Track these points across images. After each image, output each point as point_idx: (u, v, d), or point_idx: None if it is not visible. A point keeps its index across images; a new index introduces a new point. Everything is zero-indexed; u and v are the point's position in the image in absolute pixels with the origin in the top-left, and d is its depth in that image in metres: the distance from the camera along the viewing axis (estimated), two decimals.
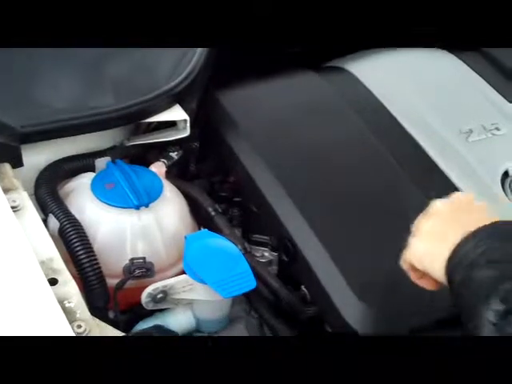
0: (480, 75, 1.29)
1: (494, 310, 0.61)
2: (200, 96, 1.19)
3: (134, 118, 1.12)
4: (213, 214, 1.09)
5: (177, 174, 1.19)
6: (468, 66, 1.31)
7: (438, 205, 0.79)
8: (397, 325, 0.92)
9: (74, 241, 0.94)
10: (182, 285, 0.95)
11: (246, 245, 1.06)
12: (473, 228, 0.70)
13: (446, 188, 1.05)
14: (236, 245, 0.99)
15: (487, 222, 0.70)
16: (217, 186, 1.24)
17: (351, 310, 0.92)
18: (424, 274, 0.77)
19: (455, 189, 1.06)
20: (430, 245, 0.75)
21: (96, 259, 0.94)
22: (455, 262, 0.69)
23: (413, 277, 0.79)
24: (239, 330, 1.04)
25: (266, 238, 1.10)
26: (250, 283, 0.92)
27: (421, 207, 0.78)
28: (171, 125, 1.19)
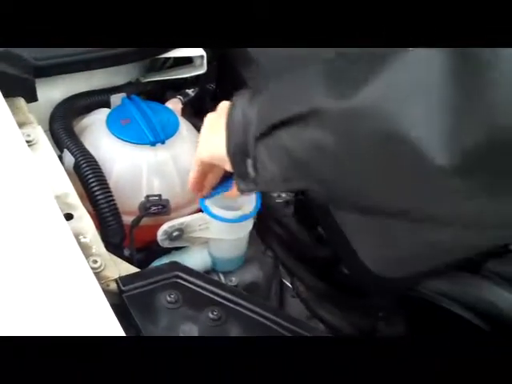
0: None
1: None
2: None
3: (149, 53, 1.10)
4: None
5: (193, 113, 1.18)
6: None
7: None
8: (413, 266, 0.91)
9: (89, 177, 0.93)
10: (198, 223, 0.94)
11: None
12: None
13: None
14: None
15: None
16: None
17: (367, 250, 0.91)
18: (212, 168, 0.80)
19: None
20: (210, 134, 0.77)
21: (112, 195, 0.93)
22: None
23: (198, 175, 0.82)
24: (254, 270, 1.04)
25: None
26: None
27: None
28: (187, 62, 1.17)
